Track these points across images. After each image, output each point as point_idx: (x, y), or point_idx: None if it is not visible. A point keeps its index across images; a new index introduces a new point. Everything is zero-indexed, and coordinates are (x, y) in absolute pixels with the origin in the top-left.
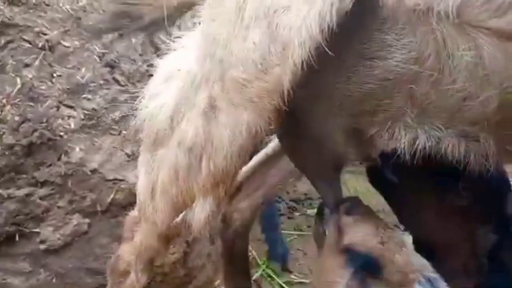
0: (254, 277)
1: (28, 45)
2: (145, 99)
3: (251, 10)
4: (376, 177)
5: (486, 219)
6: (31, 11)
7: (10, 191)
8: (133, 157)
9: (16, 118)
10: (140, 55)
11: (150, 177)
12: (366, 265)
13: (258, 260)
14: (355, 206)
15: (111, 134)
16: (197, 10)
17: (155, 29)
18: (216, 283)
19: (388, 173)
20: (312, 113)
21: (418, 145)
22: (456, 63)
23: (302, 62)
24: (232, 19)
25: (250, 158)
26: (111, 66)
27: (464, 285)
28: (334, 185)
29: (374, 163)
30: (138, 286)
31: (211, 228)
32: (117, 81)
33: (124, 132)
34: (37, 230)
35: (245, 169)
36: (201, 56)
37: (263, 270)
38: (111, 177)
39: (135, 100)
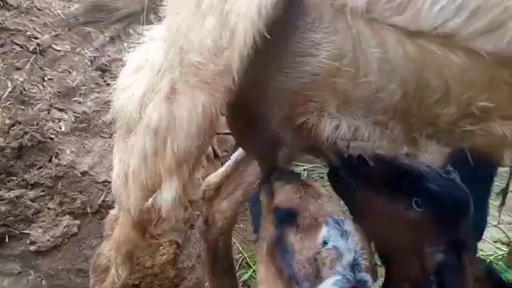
0: (245, 279)
1: (19, 48)
2: (117, 91)
3: (208, 1)
4: (336, 180)
5: (436, 238)
6: (22, 15)
7: (0, 193)
8: None
9: (7, 121)
10: None
11: (123, 165)
12: (285, 217)
13: (249, 262)
14: (283, 173)
15: (101, 137)
16: (163, 4)
17: (131, 21)
18: (207, 284)
19: (346, 176)
20: (258, 103)
21: (340, 132)
22: (368, 58)
23: (247, 47)
24: (191, 10)
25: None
26: (102, 69)
27: None
28: (273, 164)
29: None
30: (118, 282)
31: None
32: (108, 85)
33: (114, 135)
34: (27, 231)
35: (223, 169)
36: (165, 47)
37: (254, 272)
38: (101, 179)
39: None
